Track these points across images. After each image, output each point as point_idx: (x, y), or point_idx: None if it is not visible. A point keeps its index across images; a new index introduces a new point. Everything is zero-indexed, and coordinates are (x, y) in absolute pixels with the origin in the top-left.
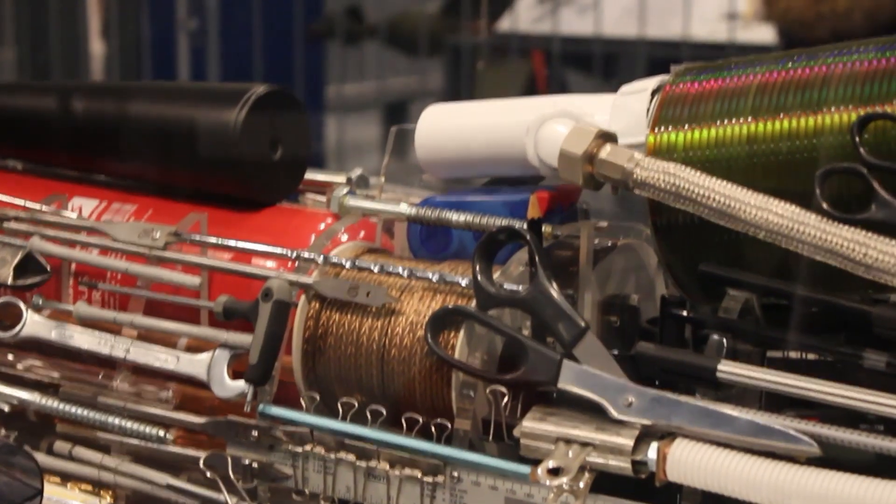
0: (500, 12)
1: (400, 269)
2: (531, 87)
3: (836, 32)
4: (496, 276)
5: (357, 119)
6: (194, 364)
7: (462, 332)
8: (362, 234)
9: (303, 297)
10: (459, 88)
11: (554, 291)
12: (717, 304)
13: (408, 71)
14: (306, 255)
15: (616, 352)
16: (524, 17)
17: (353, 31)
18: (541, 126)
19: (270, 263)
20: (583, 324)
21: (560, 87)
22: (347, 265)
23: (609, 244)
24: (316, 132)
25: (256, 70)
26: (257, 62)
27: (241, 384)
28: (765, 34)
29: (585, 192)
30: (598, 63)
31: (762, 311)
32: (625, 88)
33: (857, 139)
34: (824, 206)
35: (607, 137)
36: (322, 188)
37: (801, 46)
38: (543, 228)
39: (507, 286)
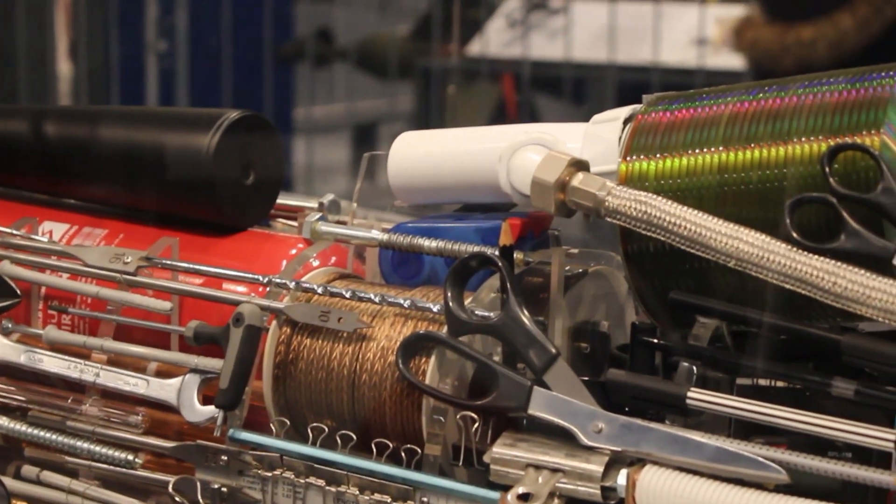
0: (470, 36)
1: (371, 295)
2: (501, 111)
3: (801, 62)
4: (468, 302)
5: (326, 141)
6: (164, 389)
7: (433, 358)
8: (333, 259)
9: (274, 323)
10: (429, 111)
11: (525, 318)
12: (687, 331)
13: (377, 93)
14: (278, 280)
15: (586, 378)
16: (494, 41)
17: (322, 53)
18: (513, 154)
19: (242, 288)
20: (553, 350)
21: (530, 111)
22: (319, 290)
23: (580, 271)
24: (284, 154)
25: (225, 92)
26: (226, 84)
27: (211, 409)
28: (734, 60)
29: (557, 219)
30: (567, 87)
31: (732, 339)
32: (597, 117)
33: (827, 169)
34: (794, 235)
35: (580, 165)
36: (294, 213)
37: (769, 76)
38: (515, 255)
39: (478, 312)
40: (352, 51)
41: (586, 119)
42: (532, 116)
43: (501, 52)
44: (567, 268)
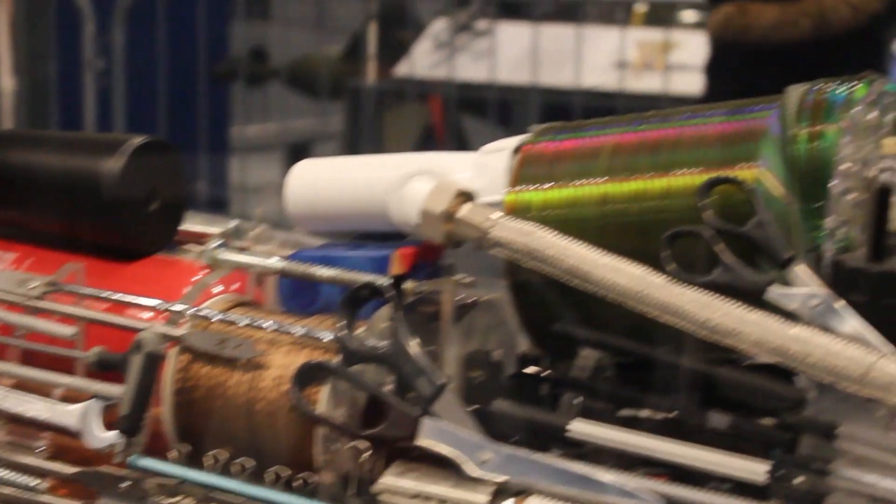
0: (397, 57)
1: (267, 323)
2: (429, 131)
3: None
4: (362, 330)
5: (261, 160)
6: (67, 414)
7: (326, 388)
8: (236, 285)
9: (173, 350)
10: (360, 131)
11: (413, 348)
12: (572, 362)
13: (311, 113)
14: (177, 307)
15: (474, 408)
16: (420, 63)
17: (256, 72)
18: (404, 184)
19: (147, 314)
20: (441, 381)
21: (457, 132)
22: (216, 318)
23: (472, 300)
24: (220, 173)
25: (161, 110)
26: (162, 102)
27: (112, 435)
28: (654, 82)
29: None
30: (493, 109)
31: (617, 370)
32: (486, 147)
33: (703, 202)
34: (671, 267)
35: (466, 196)
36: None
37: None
38: (406, 285)
39: (369, 342)
40: (285, 70)
41: None
42: (459, 138)
43: (428, 73)
44: (460, 297)
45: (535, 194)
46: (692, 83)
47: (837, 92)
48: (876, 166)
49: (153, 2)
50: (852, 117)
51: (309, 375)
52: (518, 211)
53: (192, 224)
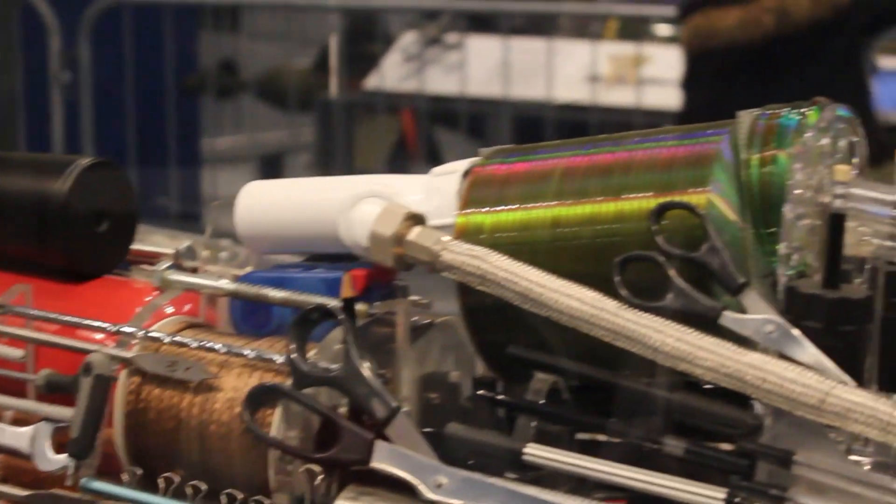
0: (367, 70)
1: (218, 345)
2: (402, 144)
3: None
4: (314, 353)
5: (233, 172)
6: (17, 437)
7: (279, 410)
8: (188, 307)
9: (124, 372)
10: (332, 143)
11: (366, 371)
12: (527, 385)
13: (283, 125)
14: (126, 329)
15: (428, 431)
16: (390, 76)
17: (225, 85)
18: (353, 206)
19: (98, 335)
20: (394, 404)
21: (429, 144)
22: (167, 340)
23: (427, 322)
24: (191, 186)
25: (129, 123)
26: (130, 116)
27: (63, 458)
28: (626, 96)
29: None
30: (464, 122)
31: (574, 394)
32: (437, 169)
33: (655, 227)
34: (623, 292)
35: (416, 219)
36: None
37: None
38: (358, 307)
39: (321, 364)
40: (254, 83)
41: None
42: (431, 150)
43: (398, 86)
44: (415, 318)
45: (486, 217)
46: (665, 97)
47: (789, 117)
48: (829, 192)
49: (119, 15)
50: (804, 143)
51: (261, 398)
52: (469, 234)
53: (149, 243)
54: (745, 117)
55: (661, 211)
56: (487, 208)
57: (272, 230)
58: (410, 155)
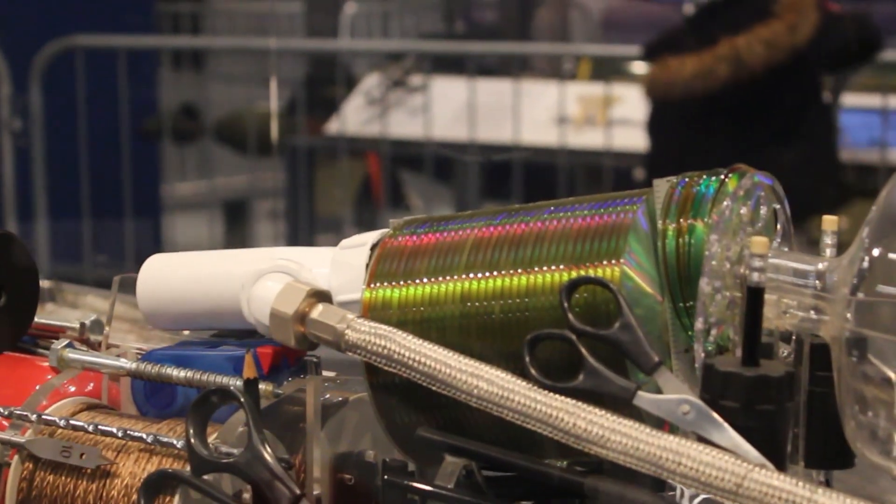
0: (328, 114)
1: (114, 429)
2: (367, 188)
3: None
4: (214, 437)
5: (197, 218)
6: None
7: (177, 498)
8: (90, 385)
9: (16, 458)
10: (297, 188)
11: (268, 455)
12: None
13: (246, 169)
14: (19, 412)
15: None
16: (352, 120)
17: (185, 129)
18: (255, 282)
19: None
20: (297, 490)
21: (394, 189)
22: (62, 424)
23: (340, 399)
24: (151, 234)
25: (83, 170)
26: (84, 162)
27: None
28: (595, 138)
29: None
30: (430, 165)
31: (485, 477)
32: (344, 242)
33: (566, 304)
34: (534, 372)
35: (320, 296)
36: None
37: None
38: (263, 386)
39: (223, 449)
40: (214, 126)
41: (455, 197)
42: (397, 194)
43: (360, 130)
44: (328, 395)
45: (394, 291)
46: (634, 138)
47: (707, 184)
48: (746, 265)
49: (72, 58)
50: (721, 212)
51: (158, 485)
52: (377, 310)
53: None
54: (662, 185)
55: (572, 286)
56: (395, 283)
57: (175, 306)
58: (375, 199)
